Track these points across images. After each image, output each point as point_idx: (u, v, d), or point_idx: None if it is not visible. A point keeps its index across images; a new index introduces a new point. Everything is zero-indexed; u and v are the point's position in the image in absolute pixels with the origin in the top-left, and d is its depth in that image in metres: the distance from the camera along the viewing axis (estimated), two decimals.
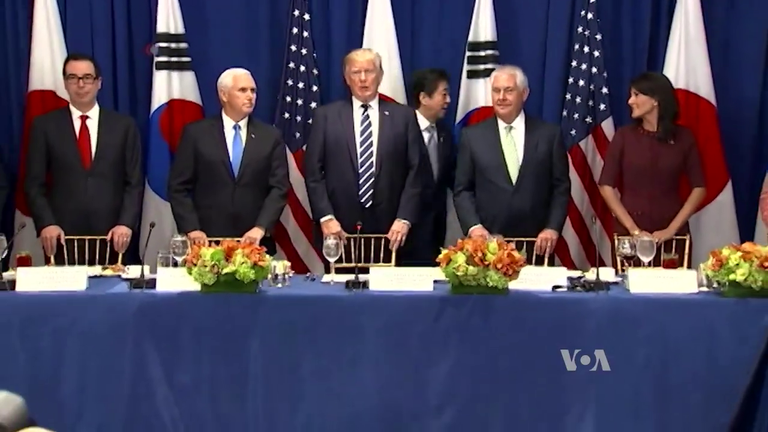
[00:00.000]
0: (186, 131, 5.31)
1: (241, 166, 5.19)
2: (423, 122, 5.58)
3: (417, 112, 5.56)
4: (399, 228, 5.21)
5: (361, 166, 5.21)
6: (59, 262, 5.03)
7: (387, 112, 5.27)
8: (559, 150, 5.34)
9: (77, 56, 5.37)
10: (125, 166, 5.31)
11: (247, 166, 5.19)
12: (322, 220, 5.21)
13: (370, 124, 5.24)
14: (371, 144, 5.22)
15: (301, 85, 5.80)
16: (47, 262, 5.06)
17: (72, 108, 5.32)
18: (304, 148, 5.64)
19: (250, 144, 5.19)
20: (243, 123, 5.24)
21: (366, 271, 4.36)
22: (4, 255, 4.32)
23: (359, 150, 5.21)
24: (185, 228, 5.06)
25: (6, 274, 4.26)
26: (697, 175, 5.33)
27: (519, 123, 5.24)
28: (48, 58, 5.67)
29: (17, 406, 1.05)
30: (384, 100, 5.39)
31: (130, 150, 5.32)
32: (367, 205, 5.20)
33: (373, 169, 5.21)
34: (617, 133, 5.56)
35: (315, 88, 5.80)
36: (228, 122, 5.23)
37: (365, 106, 5.25)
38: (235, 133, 5.22)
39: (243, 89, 5.16)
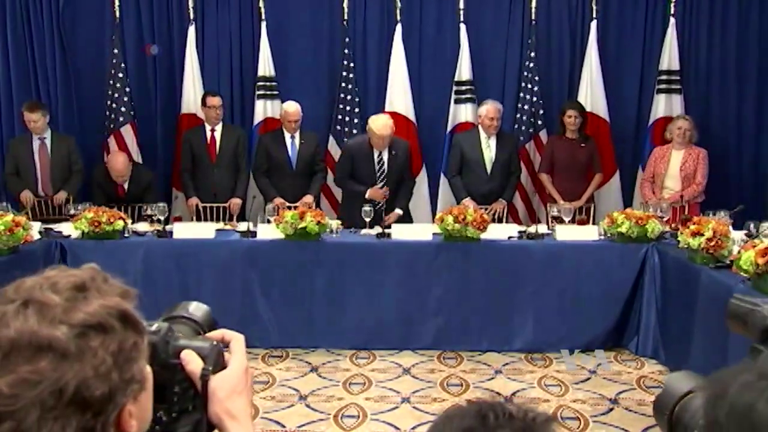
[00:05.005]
0: (260, 140, 5.18)
1: (297, 161, 5.04)
2: None
3: None
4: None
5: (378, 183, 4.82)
6: (198, 219, 4.95)
7: (394, 152, 4.80)
8: (515, 151, 5.18)
9: (213, 93, 5.22)
10: (237, 160, 5.15)
11: (300, 161, 5.04)
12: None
13: (383, 162, 4.79)
14: (384, 172, 4.77)
15: (348, 108, 5.61)
16: (191, 219, 4.98)
17: (206, 125, 5.19)
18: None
19: (301, 147, 5.04)
20: (296, 134, 5.06)
21: (389, 226, 4.31)
22: (166, 215, 4.32)
23: (377, 176, 4.79)
24: (268, 196, 4.92)
25: (168, 227, 4.27)
26: (597, 165, 5.18)
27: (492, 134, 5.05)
28: (192, 93, 5.51)
29: (206, 312, 0.96)
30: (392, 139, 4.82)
31: (240, 149, 5.17)
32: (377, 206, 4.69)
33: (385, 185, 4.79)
34: (549, 140, 5.39)
35: (357, 109, 5.61)
36: (287, 134, 5.06)
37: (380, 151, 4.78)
38: (291, 141, 5.06)
39: (290, 121, 4.99)
